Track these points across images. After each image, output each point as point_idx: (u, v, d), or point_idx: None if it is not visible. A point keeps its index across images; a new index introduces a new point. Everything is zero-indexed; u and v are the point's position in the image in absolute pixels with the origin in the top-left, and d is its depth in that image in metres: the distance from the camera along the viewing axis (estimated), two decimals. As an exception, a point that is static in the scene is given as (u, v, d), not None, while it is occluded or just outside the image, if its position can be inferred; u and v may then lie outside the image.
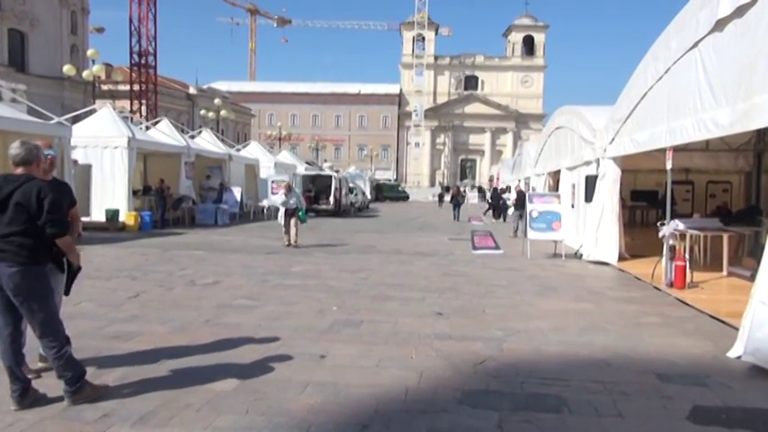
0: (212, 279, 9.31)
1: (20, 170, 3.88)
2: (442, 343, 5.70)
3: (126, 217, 17.17)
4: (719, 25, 7.02)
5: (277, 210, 25.43)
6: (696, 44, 7.69)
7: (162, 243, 14.43)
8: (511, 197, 26.48)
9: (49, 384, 4.12)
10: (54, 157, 4.31)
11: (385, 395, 4.30)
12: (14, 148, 3.90)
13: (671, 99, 8.62)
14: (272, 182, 26.15)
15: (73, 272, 4.30)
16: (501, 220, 26.75)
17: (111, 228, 16.56)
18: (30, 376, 4.07)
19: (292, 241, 13.97)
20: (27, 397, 3.86)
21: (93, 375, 4.24)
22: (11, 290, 3.78)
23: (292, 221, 14.02)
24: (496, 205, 28.60)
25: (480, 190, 53.17)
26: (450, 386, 4.50)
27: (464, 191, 40.65)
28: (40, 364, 4.51)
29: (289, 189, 14.59)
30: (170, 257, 11.89)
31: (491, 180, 49.91)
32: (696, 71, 7.65)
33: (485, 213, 30.13)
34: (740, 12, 6.50)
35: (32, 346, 4.45)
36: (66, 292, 4.41)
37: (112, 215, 16.85)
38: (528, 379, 4.68)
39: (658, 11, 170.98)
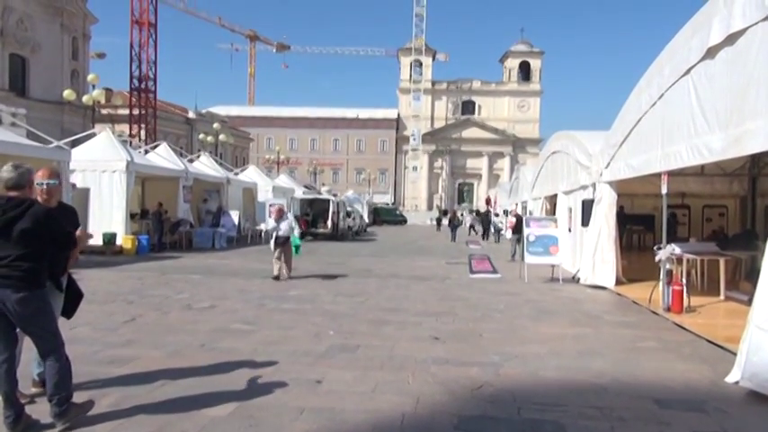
0: (209, 303, 9.27)
1: (13, 193, 3.88)
2: (439, 368, 5.67)
3: (123, 240, 17.16)
4: (711, 53, 7.15)
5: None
6: (688, 71, 7.81)
7: (159, 267, 14.39)
8: (502, 220, 29.11)
9: (42, 410, 4.08)
10: (56, 186, 4.32)
11: (381, 421, 4.27)
12: (6, 172, 3.90)
13: (665, 124, 8.72)
14: (270, 206, 26.13)
15: (75, 297, 4.36)
16: (488, 240, 29.44)
17: (108, 251, 16.54)
18: (23, 401, 4.04)
19: (283, 273, 12.37)
20: (20, 423, 3.83)
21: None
22: (18, 314, 3.79)
23: (286, 251, 12.45)
24: (486, 228, 31.35)
25: (478, 213, 53.55)
26: (447, 412, 4.47)
27: (461, 214, 41.65)
28: (34, 390, 4.48)
29: (280, 214, 12.89)
30: (166, 281, 11.86)
31: (487, 201, 50.17)
32: (689, 97, 7.76)
33: (475, 232, 33.58)
34: (731, 39, 6.63)
35: (25, 372, 4.43)
36: (69, 316, 4.45)
37: (110, 239, 16.84)
38: (525, 404, 4.66)
39: (651, 37, 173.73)
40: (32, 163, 4.65)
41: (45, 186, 4.22)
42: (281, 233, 12.50)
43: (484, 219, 33.35)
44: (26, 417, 3.90)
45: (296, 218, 27.73)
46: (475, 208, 65.52)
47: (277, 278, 12.21)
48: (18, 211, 3.77)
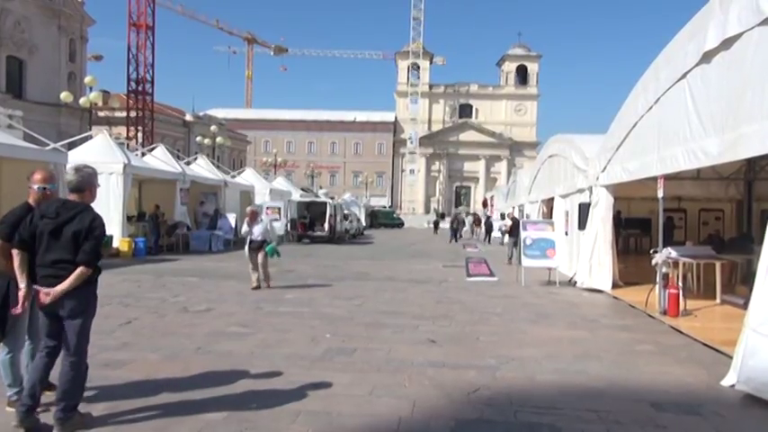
0: (205, 306, 9.26)
1: (73, 197, 3.98)
2: (436, 371, 5.67)
3: (120, 243, 17.13)
4: (707, 57, 7.17)
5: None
6: (684, 75, 7.84)
7: (155, 269, 14.36)
8: (507, 223, 30.32)
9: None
10: (55, 190, 4.35)
11: (378, 424, 4.26)
12: (69, 175, 4.01)
13: (661, 128, 8.75)
14: (267, 208, 26.19)
15: None
16: (489, 243, 30.84)
17: (105, 254, 16.41)
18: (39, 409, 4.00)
19: (261, 283, 11.33)
20: (30, 416, 3.83)
21: (82, 404, 4.18)
22: (70, 309, 3.85)
23: (259, 258, 11.28)
24: (488, 229, 33.35)
25: (474, 216, 54.03)
26: (444, 415, 4.47)
27: (461, 216, 42.39)
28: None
29: (254, 217, 11.63)
30: (163, 284, 11.83)
31: (485, 203, 50.39)
32: (685, 101, 7.78)
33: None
34: (727, 44, 6.66)
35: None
36: None
37: (106, 241, 16.77)
38: (522, 408, 4.66)
39: (648, 41, 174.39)
40: (28, 165, 4.64)
41: (47, 191, 4.27)
42: (254, 237, 11.41)
43: (485, 222, 34.77)
44: (36, 415, 3.89)
45: (292, 221, 27.92)
46: (472, 211, 65.73)
47: (256, 288, 11.18)
48: (70, 214, 3.86)
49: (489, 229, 33.28)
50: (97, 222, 3.90)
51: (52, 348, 3.97)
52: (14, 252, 3.93)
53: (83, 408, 4.12)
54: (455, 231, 33.24)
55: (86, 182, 4.03)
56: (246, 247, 11.54)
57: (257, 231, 11.40)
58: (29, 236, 3.90)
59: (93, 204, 4.08)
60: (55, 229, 3.83)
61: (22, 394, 3.92)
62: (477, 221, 38.70)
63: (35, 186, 4.24)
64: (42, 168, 4.54)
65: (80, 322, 3.93)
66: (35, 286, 3.87)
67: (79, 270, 3.82)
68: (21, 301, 3.87)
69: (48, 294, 3.77)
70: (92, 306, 4.03)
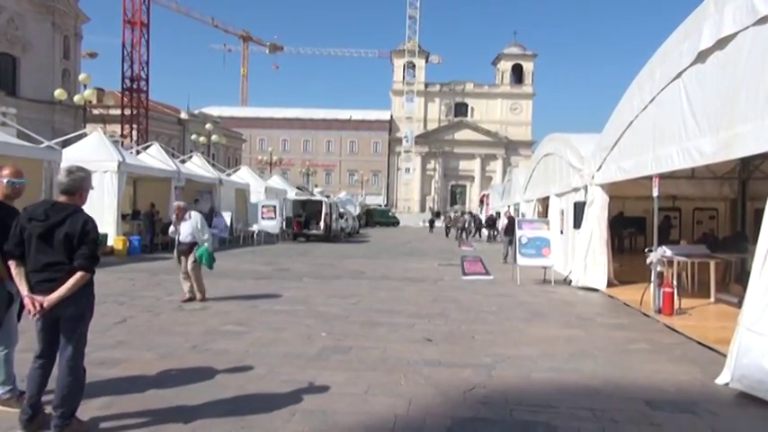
0: (200, 305, 9.23)
1: (63, 198, 3.88)
2: (432, 370, 5.67)
3: (114, 241, 17.07)
4: (702, 57, 7.20)
5: (265, 234, 25.42)
6: (680, 74, 7.86)
7: (150, 268, 14.32)
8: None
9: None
10: (24, 186, 4.28)
11: (373, 423, 4.26)
12: (61, 176, 3.91)
13: (656, 128, 8.77)
14: (263, 207, 26.16)
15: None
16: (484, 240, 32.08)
17: (99, 252, 16.41)
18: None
19: (186, 291, 9.45)
20: (32, 426, 3.80)
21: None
22: (68, 312, 3.77)
23: (188, 265, 9.40)
24: (479, 227, 35.04)
25: (470, 215, 54.24)
26: (440, 414, 4.47)
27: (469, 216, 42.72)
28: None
29: (182, 213, 9.50)
30: (158, 282, 11.80)
31: (482, 201, 50.46)
32: (680, 101, 7.81)
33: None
34: (721, 44, 6.68)
35: (22, 373, 4.39)
36: (18, 318, 4.37)
37: (100, 239, 16.70)
38: (517, 406, 4.66)
39: (644, 41, 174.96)
40: (22, 163, 4.60)
41: (16, 185, 4.22)
42: (181, 238, 9.55)
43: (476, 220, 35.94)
44: (43, 415, 3.86)
45: (288, 219, 27.89)
46: (467, 209, 65.94)
47: (190, 300, 9.40)
48: (60, 216, 3.76)
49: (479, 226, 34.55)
50: (90, 225, 3.80)
51: (48, 354, 3.87)
52: (10, 263, 3.85)
53: (80, 406, 4.10)
54: (460, 231, 32.15)
55: (77, 185, 3.91)
56: (175, 250, 9.86)
57: (185, 231, 9.49)
58: (16, 244, 3.80)
59: (87, 202, 4.02)
60: (45, 232, 3.73)
61: (23, 405, 3.84)
62: (490, 222, 33.55)
63: (4, 181, 4.16)
64: (11, 164, 4.44)
65: (79, 325, 3.85)
66: (27, 295, 3.74)
67: (78, 275, 3.74)
68: (32, 312, 3.71)
69: (42, 304, 3.66)
70: (90, 308, 3.95)
